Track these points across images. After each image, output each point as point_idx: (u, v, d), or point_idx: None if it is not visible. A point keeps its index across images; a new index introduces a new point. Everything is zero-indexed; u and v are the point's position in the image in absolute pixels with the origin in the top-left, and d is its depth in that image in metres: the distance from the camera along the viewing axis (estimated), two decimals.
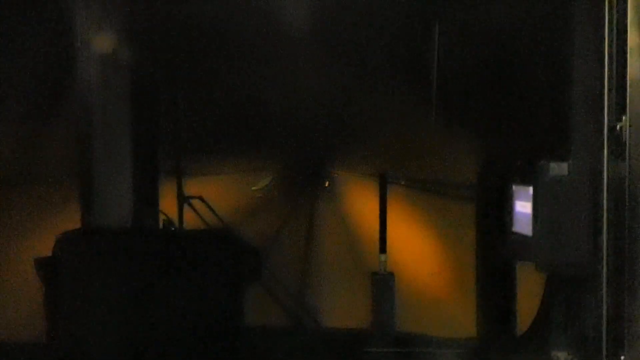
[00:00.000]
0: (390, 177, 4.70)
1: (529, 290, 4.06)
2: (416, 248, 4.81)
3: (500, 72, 4.08)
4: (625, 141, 3.18)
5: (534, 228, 3.44)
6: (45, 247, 4.07)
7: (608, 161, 3.22)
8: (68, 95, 4.27)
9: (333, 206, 4.91)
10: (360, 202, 4.89)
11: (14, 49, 4.17)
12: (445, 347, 4.40)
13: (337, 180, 4.91)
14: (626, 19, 3.19)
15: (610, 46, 3.21)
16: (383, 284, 4.59)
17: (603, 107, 3.24)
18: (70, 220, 4.27)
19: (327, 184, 4.61)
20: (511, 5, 3.92)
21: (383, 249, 4.65)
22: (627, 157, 3.19)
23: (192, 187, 4.67)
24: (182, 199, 4.62)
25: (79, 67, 4.17)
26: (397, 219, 4.72)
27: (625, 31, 3.19)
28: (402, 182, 4.79)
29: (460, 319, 4.44)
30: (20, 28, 4.14)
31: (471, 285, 4.42)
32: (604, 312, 3.21)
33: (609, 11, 3.21)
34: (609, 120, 3.23)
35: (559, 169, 3.38)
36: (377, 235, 4.67)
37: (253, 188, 4.86)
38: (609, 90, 3.22)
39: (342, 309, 4.72)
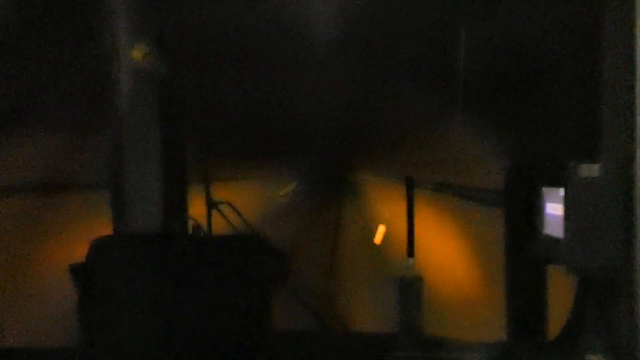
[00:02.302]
0: (418, 180, 4.68)
1: (560, 294, 4.02)
2: (444, 252, 4.79)
3: (528, 73, 4.05)
4: None
5: (565, 230, 3.41)
6: (79, 253, 4.10)
7: None
8: (99, 104, 4.30)
9: (360, 210, 4.90)
10: (387, 206, 4.88)
11: (48, 57, 4.21)
12: (475, 352, 4.37)
13: (364, 184, 4.91)
14: None
15: None
16: (411, 288, 4.57)
17: (634, 107, 3.20)
18: (103, 226, 4.29)
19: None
20: (538, 6, 3.90)
21: (411, 252, 4.63)
22: None
23: (220, 193, 4.69)
24: (211, 205, 4.64)
25: (110, 76, 4.20)
26: (424, 222, 4.70)
27: None
28: (430, 186, 4.77)
29: (490, 323, 4.41)
30: (54, 35, 4.18)
31: (501, 289, 4.38)
32: (639, 314, 3.17)
33: (639, 10, 3.18)
34: None
35: (590, 170, 3.34)
36: (404, 239, 4.65)
37: (280, 193, 4.87)
38: None
39: (370, 313, 4.71)
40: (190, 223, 4.48)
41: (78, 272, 4.05)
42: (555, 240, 3.53)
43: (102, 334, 4.03)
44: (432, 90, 4.45)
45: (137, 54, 3.76)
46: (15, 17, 3.97)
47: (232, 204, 4.64)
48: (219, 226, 4.61)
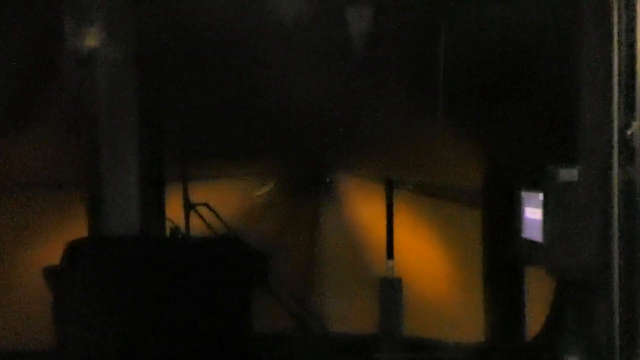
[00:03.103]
0: (397, 182, 4.68)
1: (539, 296, 4.04)
2: (424, 253, 4.80)
3: (508, 76, 4.06)
4: (636, 146, 3.17)
5: (544, 234, 3.42)
6: (53, 256, 4.06)
7: (618, 166, 3.20)
8: (73, 102, 4.26)
9: (339, 211, 4.90)
10: (367, 207, 4.88)
11: (19, 53, 4.16)
12: (454, 352, 4.39)
13: (343, 185, 4.90)
14: (635, 21, 3.17)
15: (619, 49, 3.19)
16: (391, 289, 4.57)
17: (613, 112, 3.22)
18: (78, 228, 4.26)
19: None
20: (518, 7, 3.91)
21: (390, 254, 4.64)
22: (638, 162, 3.17)
23: (197, 194, 4.67)
24: (188, 206, 4.62)
25: (84, 73, 4.16)
26: (404, 224, 4.70)
27: (634, 34, 3.18)
28: (409, 187, 4.77)
29: (469, 324, 4.42)
30: (26, 32, 4.13)
31: (480, 291, 4.40)
32: (616, 316, 3.19)
33: (617, 13, 3.19)
34: (618, 125, 3.21)
35: (568, 174, 3.36)
36: (384, 241, 4.66)
37: (256, 194, 4.85)
38: (619, 94, 3.20)
39: (350, 315, 4.71)
40: (168, 225, 4.46)
41: (53, 274, 4.02)
42: (534, 244, 3.54)
43: (77, 337, 4.00)
44: (411, 91, 4.45)
45: None
46: None
47: (209, 205, 4.62)
48: (197, 227, 4.59)
